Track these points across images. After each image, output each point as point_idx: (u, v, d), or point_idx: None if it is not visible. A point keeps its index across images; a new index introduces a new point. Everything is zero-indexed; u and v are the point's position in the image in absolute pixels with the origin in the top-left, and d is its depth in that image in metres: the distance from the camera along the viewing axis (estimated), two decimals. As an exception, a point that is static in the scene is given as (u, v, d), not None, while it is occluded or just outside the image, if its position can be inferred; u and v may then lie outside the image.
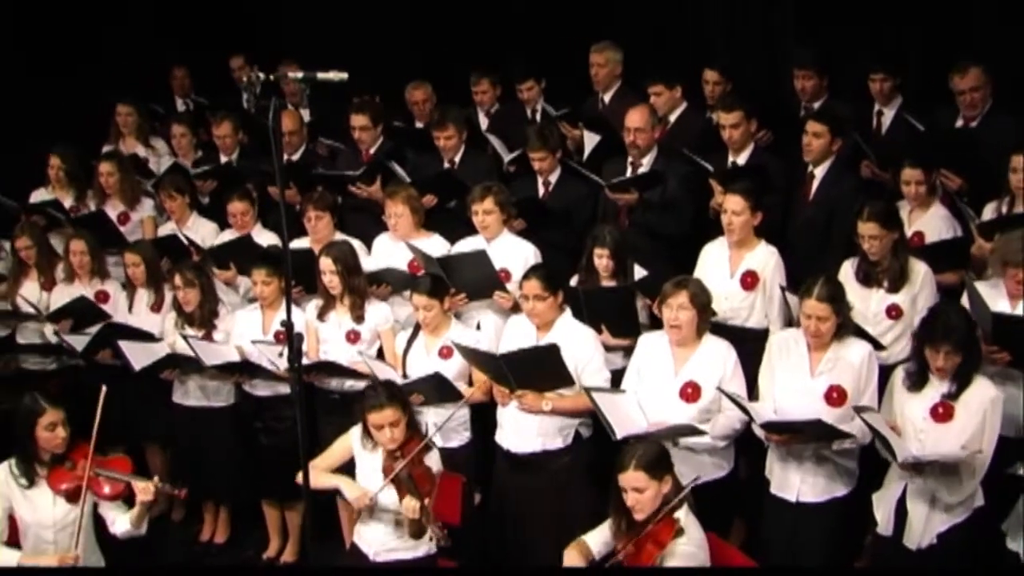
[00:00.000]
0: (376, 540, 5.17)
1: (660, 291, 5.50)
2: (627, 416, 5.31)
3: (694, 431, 5.20)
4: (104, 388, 5.03)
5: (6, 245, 7.54)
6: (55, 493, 5.00)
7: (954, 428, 4.85)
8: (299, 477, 4.25)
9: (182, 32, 10.05)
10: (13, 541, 5.05)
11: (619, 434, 5.18)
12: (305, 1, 10.06)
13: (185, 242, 7.11)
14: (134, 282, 6.91)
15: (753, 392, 5.37)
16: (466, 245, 6.48)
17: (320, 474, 5.12)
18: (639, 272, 6.07)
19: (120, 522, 5.08)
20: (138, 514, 5.04)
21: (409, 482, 4.93)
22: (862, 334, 5.34)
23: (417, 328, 6.00)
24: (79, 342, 6.70)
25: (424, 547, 5.14)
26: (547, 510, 5.50)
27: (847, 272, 5.78)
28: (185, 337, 6.37)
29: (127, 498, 5.09)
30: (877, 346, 5.38)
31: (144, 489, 4.96)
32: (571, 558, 4.76)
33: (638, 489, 4.53)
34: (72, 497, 4.99)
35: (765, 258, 5.94)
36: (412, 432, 5.07)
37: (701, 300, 5.36)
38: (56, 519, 4.99)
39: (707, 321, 5.44)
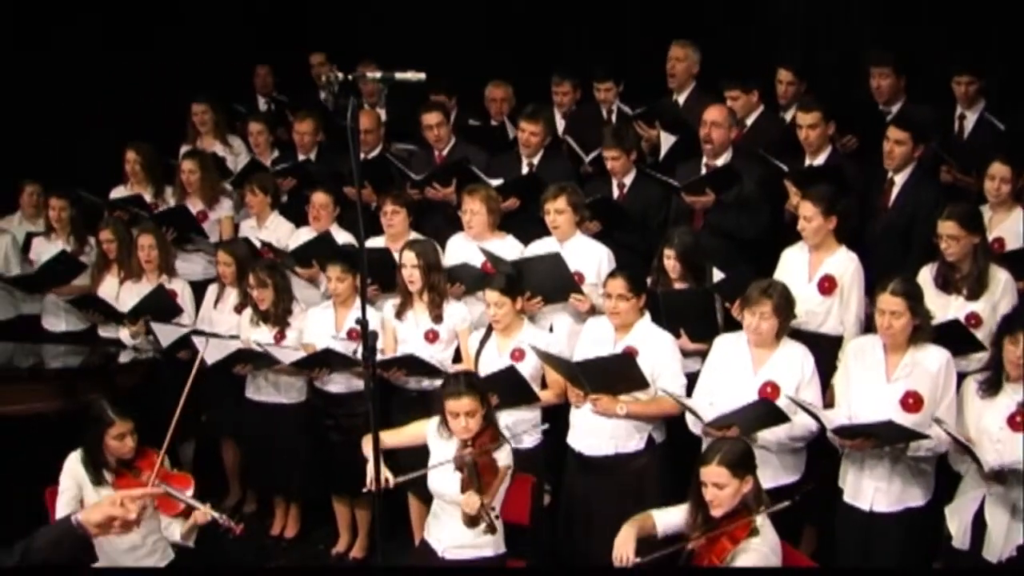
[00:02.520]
0: (446, 537, 5.19)
1: (738, 293, 5.46)
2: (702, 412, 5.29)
3: (778, 413, 5.11)
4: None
5: (92, 241, 7.71)
6: None
7: (1033, 435, 4.75)
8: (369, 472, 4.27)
9: (264, 30, 10.15)
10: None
11: (707, 418, 5.17)
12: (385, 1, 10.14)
13: (258, 245, 7.19)
14: (223, 280, 6.99)
15: (827, 398, 5.31)
16: (539, 247, 6.47)
17: (388, 435, 5.23)
18: (717, 275, 6.03)
19: (173, 530, 5.17)
20: (189, 529, 5.14)
21: (472, 469, 4.95)
22: (954, 334, 5.25)
23: (490, 329, 5.99)
24: (165, 333, 6.80)
25: (493, 546, 5.15)
26: (617, 514, 5.43)
27: (925, 278, 5.70)
28: (257, 343, 6.45)
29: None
30: (970, 344, 5.29)
31: (201, 514, 5.03)
32: (625, 531, 4.71)
33: (718, 485, 4.51)
34: None
35: (845, 264, 5.86)
36: (488, 425, 5.09)
37: (784, 308, 5.31)
38: None
39: (787, 326, 5.40)
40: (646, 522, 4.77)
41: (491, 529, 4.95)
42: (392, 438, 5.37)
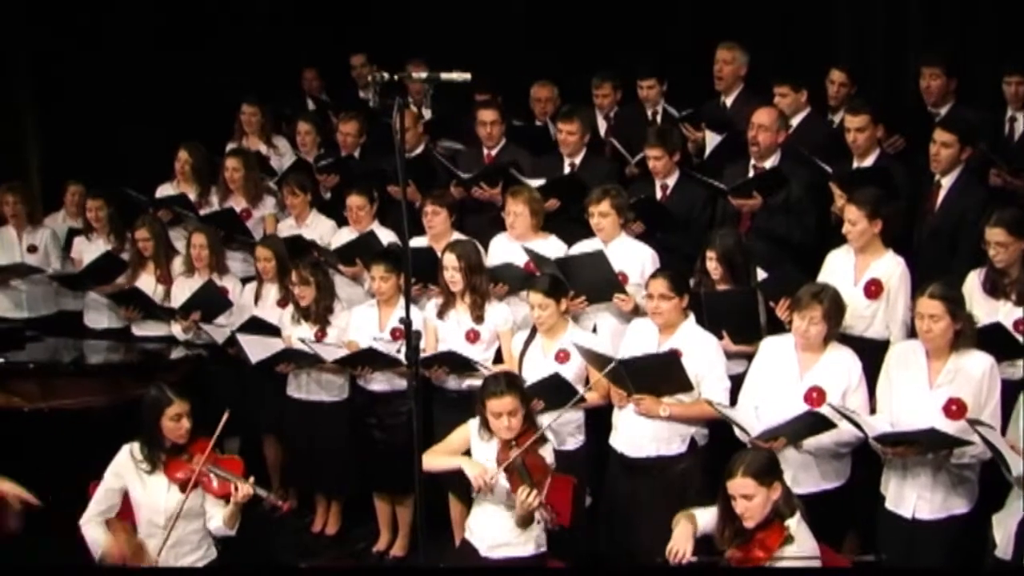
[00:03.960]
0: (488, 535, 5.19)
1: (782, 293, 5.42)
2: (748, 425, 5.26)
3: (825, 421, 5.07)
4: (227, 412, 5.19)
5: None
6: (170, 481, 5.14)
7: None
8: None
9: (312, 33, 10.20)
10: (127, 516, 5.21)
11: (753, 432, 5.15)
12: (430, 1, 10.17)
13: (306, 244, 7.23)
14: (263, 276, 7.06)
15: (871, 404, 5.27)
16: (583, 248, 6.45)
17: (438, 456, 5.20)
18: (761, 276, 6.00)
19: (215, 519, 5.19)
20: (230, 513, 5.14)
21: (522, 469, 4.93)
22: (997, 338, 5.20)
23: (534, 330, 5.98)
24: (218, 333, 6.87)
25: (534, 545, 5.15)
26: (659, 516, 5.44)
27: (973, 282, 5.64)
28: (302, 340, 6.48)
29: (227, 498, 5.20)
30: (1014, 349, 5.25)
31: (241, 490, 5.07)
32: (683, 527, 4.71)
33: (747, 496, 4.48)
34: (184, 488, 5.12)
35: (891, 268, 5.81)
36: (529, 425, 5.09)
37: (834, 314, 5.27)
38: (168, 506, 5.13)
39: (836, 331, 5.35)
40: (692, 520, 4.77)
41: (552, 522, 4.91)
42: (443, 449, 5.35)
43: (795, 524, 4.49)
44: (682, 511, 4.82)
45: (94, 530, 5.14)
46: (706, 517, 4.76)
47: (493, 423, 5.08)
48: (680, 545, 4.62)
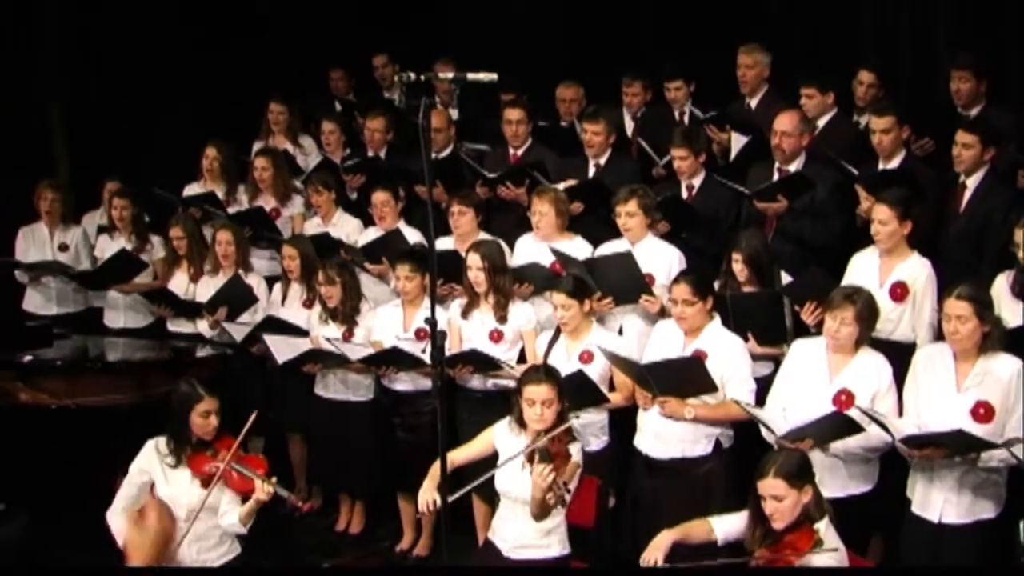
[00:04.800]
0: (512, 536, 5.17)
1: (808, 296, 5.39)
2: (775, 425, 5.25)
3: (853, 424, 5.04)
4: (255, 413, 5.22)
5: (154, 239, 7.83)
6: (193, 476, 5.18)
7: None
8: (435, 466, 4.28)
9: (339, 33, 10.24)
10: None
11: (779, 431, 5.14)
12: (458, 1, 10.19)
13: (332, 242, 7.24)
14: (289, 276, 7.08)
15: (899, 409, 5.24)
16: (610, 248, 6.45)
17: (458, 453, 5.21)
18: (786, 279, 5.98)
19: (229, 516, 5.20)
20: (247, 511, 5.16)
21: (544, 454, 4.88)
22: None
23: (559, 331, 5.99)
24: (238, 331, 6.90)
25: (558, 546, 5.13)
26: (683, 518, 5.41)
27: (1001, 285, 5.60)
28: (328, 339, 6.50)
29: (246, 497, 5.23)
30: None
31: (262, 489, 5.09)
32: (665, 537, 4.71)
33: (777, 497, 4.47)
34: (207, 483, 5.16)
35: (917, 270, 5.78)
36: (561, 422, 5.05)
37: (867, 317, 5.24)
38: (190, 500, 5.16)
39: (868, 336, 5.32)
40: (696, 528, 4.76)
41: (560, 501, 4.84)
42: (463, 453, 5.34)
43: (824, 527, 4.48)
44: (701, 518, 4.81)
45: (119, 521, 5.17)
46: (726, 524, 4.76)
47: (527, 412, 5.04)
48: (650, 555, 4.65)
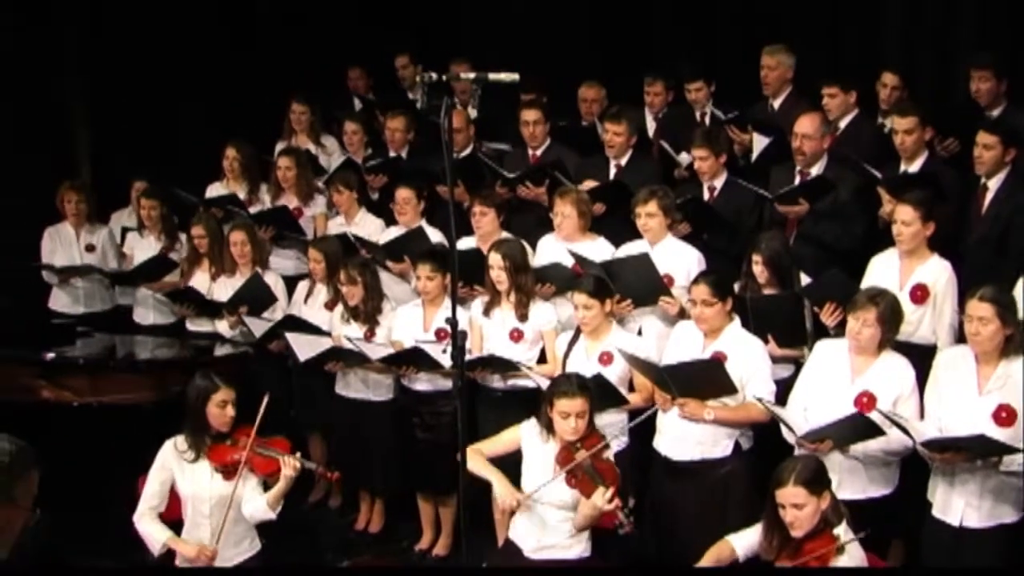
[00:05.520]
0: (533, 537, 5.16)
1: (828, 297, 5.37)
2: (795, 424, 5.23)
3: (874, 427, 5.01)
4: (268, 395, 5.23)
5: (182, 237, 7.87)
6: (214, 468, 5.19)
7: None
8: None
9: (359, 32, 10.26)
10: (175, 513, 5.26)
11: (799, 432, 5.12)
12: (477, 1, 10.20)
13: (353, 240, 7.26)
14: (314, 276, 7.10)
15: (921, 412, 5.21)
16: (630, 249, 6.44)
17: (478, 460, 5.10)
18: (805, 280, 5.96)
19: (253, 503, 5.19)
20: (276, 494, 5.14)
21: (592, 470, 4.88)
22: None
23: (578, 331, 5.98)
24: (259, 326, 6.92)
25: (579, 547, 5.13)
26: (703, 519, 5.43)
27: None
28: (349, 338, 6.52)
29: (270, 483, 5.23)
30: None
31: (290, 464, 5.10)
32: (707, 560, 4.70)
33: (797, 505, 4.45)
34: (229, 474, 5.17)
35: (937, 272, 5.76)
36: (592, 430, 5.05)
37: (889, 318, 5.21)
38: (212, 494, 5.18)
39: (891, 339, 5.29)
40: (721, 552, 4.75)
41: (629, 528, 4.85)
42: (488, 448, 5.30)
43: (843, 532, 4.46)
44: (719, 541, 4.79)
45: (148, 525, 5.19)
46: (745, 540, 4.74)
47: (559, 423, 5.01)
48: None
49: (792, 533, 4.48)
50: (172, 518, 5.26)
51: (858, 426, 5.05)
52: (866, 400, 5.16)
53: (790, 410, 5.36)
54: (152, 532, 5.18)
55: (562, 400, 4.98)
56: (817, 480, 4.49)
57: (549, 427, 5.09)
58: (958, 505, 5.01)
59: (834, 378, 5.29)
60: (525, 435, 5.24)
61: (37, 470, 3.05)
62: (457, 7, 10.26)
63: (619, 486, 4.90)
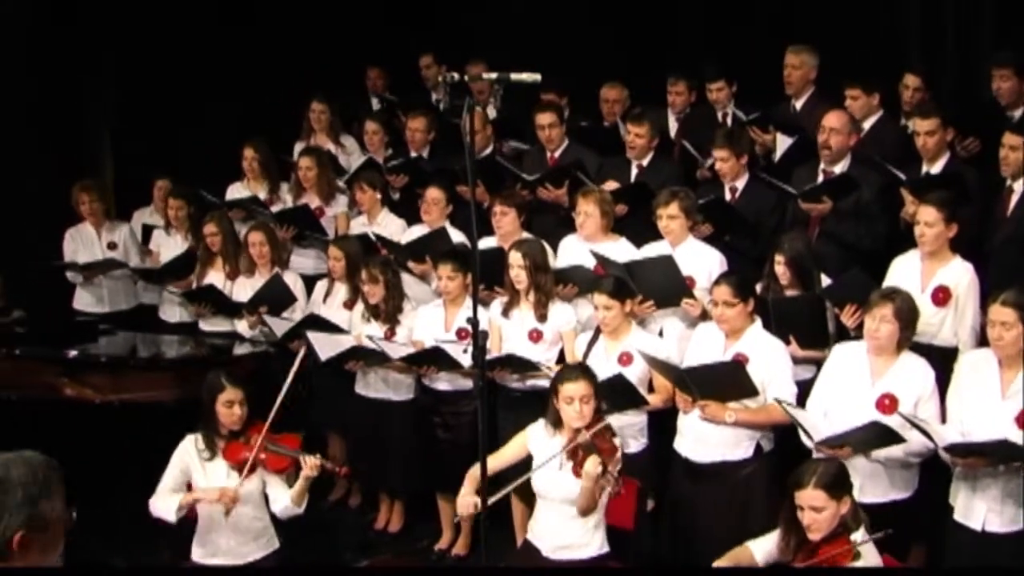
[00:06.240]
0: (551, 537, 5.16)
1: (849, 298, 5.36)
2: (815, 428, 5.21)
3: (893, 434, 4.99)
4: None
5: None
6: (230, 466, 5.22)
7: None
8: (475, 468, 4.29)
9: (378, 31, 10.27)
10: (191, 512, 5.26)
11: (816, 439, 5.09)
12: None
13: (374, 240, 7.27)
14: (333, 275, 7.11)
15: (942, 414, 5.18)
16: (652, 250, 6.43)
17: (490, 461, 5.07)
18: (826, 282, 5.94)
19: (281, 500, 5.23)
20: (299, 491, 5.19)
21: (591, 448, 4.88)
22: None
23: (598, 331, 5.98)
24: (280, 326, 6.93)
25: (597, 547, 5.13)
26: (723, 521, 5.42)
27: (1049, 292, 5.53)
28: (370, 337, 6.53)
29: (291, 477, 5.25)
30: None
31: (309, 464, 5.12)
32: (724, 563, 4.70)
33: (816, 508, 4.43)
34: (243, 471, 5.19)
35: (959, 274, 5.72)
36: (599, 418, 5.05)
37: (906, 315, 5.18)
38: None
39: (909, 338, 5.27)
40: (740, 556, 4.73)
41: (614, 488, 4.84)
42: (495, 461, 5.26)
43: (860, 537, 4.44)
44: (738, 546, 4.77)
45: (164, 501, 5.19)
46: (765, 545, 4.72)
47: (565, 411, 5.03)
48: None
49: (808, 536, 4.46)
50: (188, 517, 5.27)
51: (877, 433, 5.02)
52: (887, 402, 5.13)
53: (809, 414, 5.34)
54: (166, 503, 5.16)
55: (566, 384, 5.00)
56: (838, 484, 4.47)
57: (556, 421, 5.11)
58: (980, 509, 4.97)
59: (854, 381, 5.26)
60: (532, 437, 5.26)
61: (60, 481, 3.04)
62: (480, 7, 10.26)
63: (616, 461, 4.89)
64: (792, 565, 4.52)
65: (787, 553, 4.58)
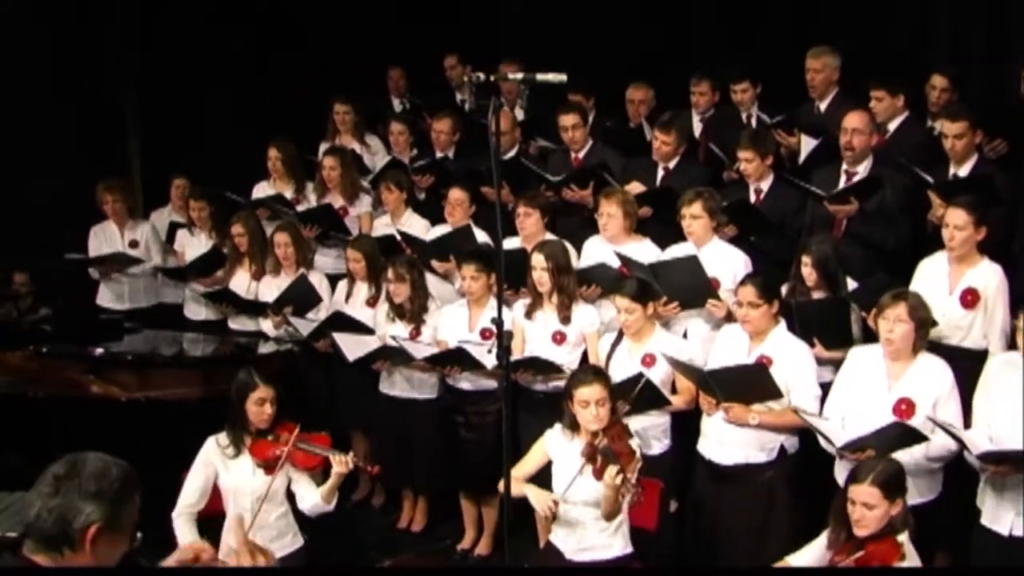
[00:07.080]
0: (574, 538, 5.16)
1: (875, 301, 5.34)
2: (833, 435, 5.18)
3: (915, 434, 4.96)
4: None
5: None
6: (255, 463, 5.23)
7: None
8: (500, 484, 4.28)
9: (398, 31, 10.29)
10: (217, 507, 5.29)
11: (838, 442, 5.07)
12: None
13: (399, 238, 7.28)
14: (354, 276, 7.13)
15: (968, 416, 5.14)
16: (676, 251, 6.41)
17: (515, 483, 5.07)
18: (852, 285, 5.91)
19: (309, 498, 5.24)
20: (330, 488, 5.21)
21: (608, 451, 4.88)
22: None
23: (621, 333, 5.97)
24: (305, 327, 6.95)
25: (620, 545, 5.13)
26: (746, 524, 5.41)
27: (1079, 295, 5.49)
28: (394, 338, 6.54)
29: (318, 476, 5.27)
30: None
31: (341, 462, 5.14)
32: None
33: (868, 505, 4.44)
34: (270, 469, 5.21)
35: (988, 276, 5.67)
36: (616, 420, 5.06)
37: (919, 315, 5.15)
38: (254, 488, 5.21)
39: (924, 338, 5.23)
40: None
41: (634, 497, 4.82)
42: (520, 470, 5.28)
43: (905, 541, 4.43)
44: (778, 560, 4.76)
45: (183, 527, 5.20)
46: (804, 557, 4.71)
47: (581, 415, 5.03)
48: None
49: (855, 531, 4.47)
50: (214, 511, 5.30)
51: (898, 434, 5.00)
52: (904, 408, 5.12)
53: (827, 421, 5.31)
54: (184, 536, 5.14)
55: (581, 388, 5.00)
56: (893, 485, 4.47)
57: (573, 425, 5.11)
58: (1008, 515, 4.93)
59: (871, 386, 5.24)
60: (550, 442, 5.26)
61: (139, 492, 3.08)
62: (507, 7, 10.26)
63: (635, 466, 4.86)
64: (836, 558, 4.50)
65: (834, 545, 4.57)
